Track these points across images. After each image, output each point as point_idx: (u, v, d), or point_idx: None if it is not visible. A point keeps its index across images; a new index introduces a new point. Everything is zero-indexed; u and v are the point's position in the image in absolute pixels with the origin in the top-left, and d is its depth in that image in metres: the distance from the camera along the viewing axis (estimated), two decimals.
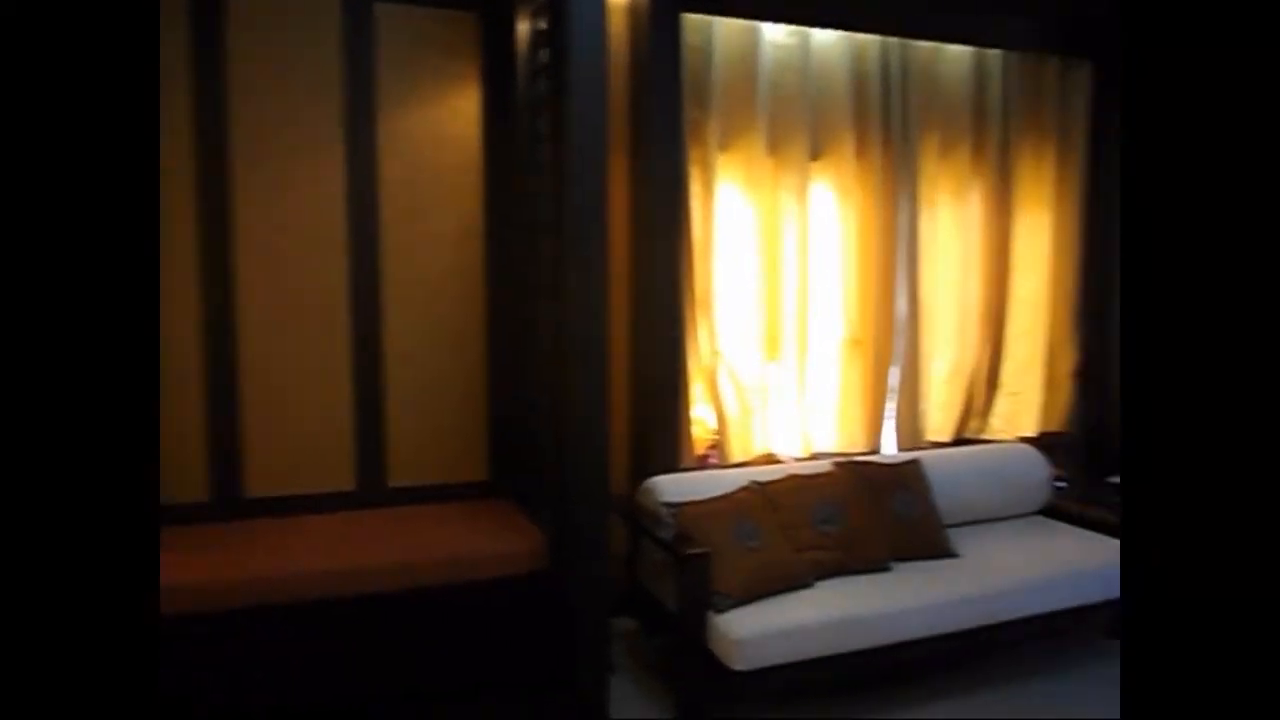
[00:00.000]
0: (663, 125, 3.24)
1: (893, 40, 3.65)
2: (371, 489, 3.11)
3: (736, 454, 3.53)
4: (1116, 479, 3.99)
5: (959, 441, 3.98)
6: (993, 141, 3.91)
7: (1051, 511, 3.69)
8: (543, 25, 2.69)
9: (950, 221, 3.94)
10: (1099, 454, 4.18)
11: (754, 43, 3.43)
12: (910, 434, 3.84)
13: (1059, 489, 3.82)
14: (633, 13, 3.28)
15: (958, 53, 3.85)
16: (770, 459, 3.59)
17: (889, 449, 3.81)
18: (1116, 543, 3.27)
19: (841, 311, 3.73)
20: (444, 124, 3.10)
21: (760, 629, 2.58)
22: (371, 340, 3.09)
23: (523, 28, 2.89)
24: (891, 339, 3.77)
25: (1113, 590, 3.15)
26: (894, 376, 3.81)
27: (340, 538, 2.77)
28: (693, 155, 3.36)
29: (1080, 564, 3.16)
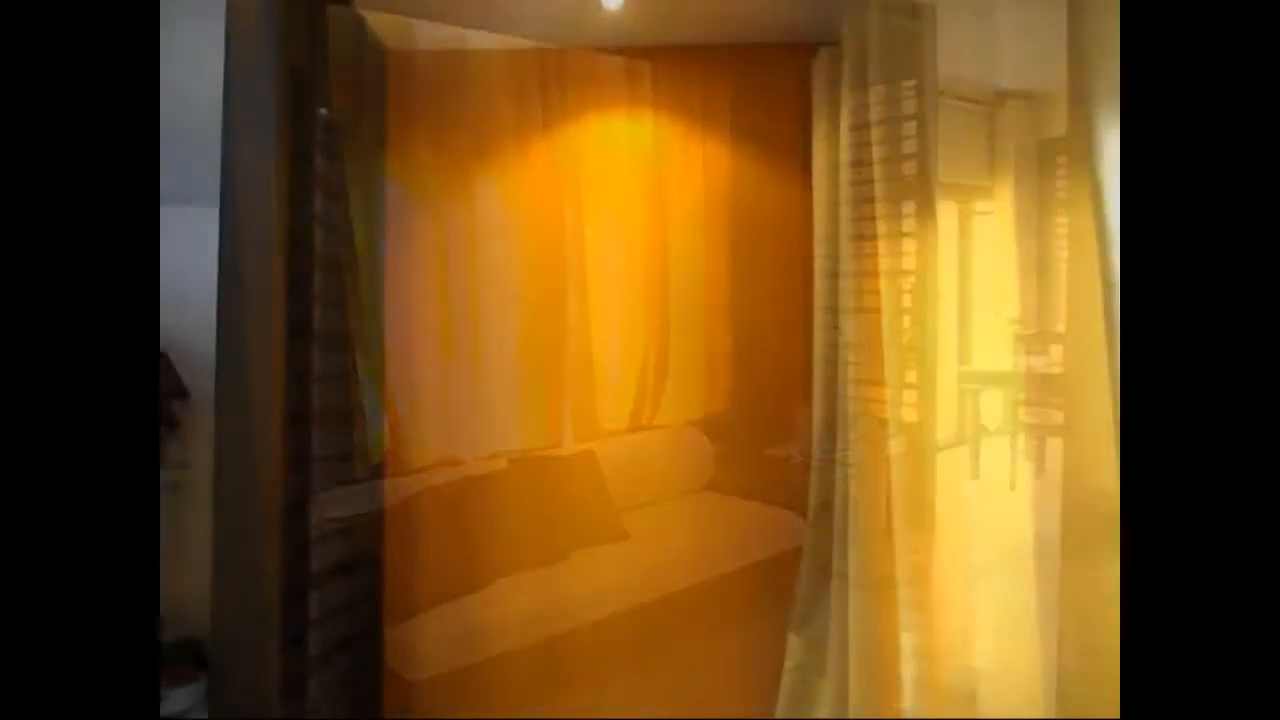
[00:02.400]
0: None
1: None
2: None
3: None
4: (773, 451, 4.39)
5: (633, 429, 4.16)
6: None
7: (715, 485, 3.99)
8: None
9: None
10: (755, 429, 4.58)
11: None
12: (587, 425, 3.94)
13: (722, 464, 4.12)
14: None
15: None
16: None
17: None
18: (769, 508, 3.61)
19: None
20: None
21: None
22: None
23: None
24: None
25: (767, 551, 3.47)
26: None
27: None
28: None
29: (739, 530, 3.44)
